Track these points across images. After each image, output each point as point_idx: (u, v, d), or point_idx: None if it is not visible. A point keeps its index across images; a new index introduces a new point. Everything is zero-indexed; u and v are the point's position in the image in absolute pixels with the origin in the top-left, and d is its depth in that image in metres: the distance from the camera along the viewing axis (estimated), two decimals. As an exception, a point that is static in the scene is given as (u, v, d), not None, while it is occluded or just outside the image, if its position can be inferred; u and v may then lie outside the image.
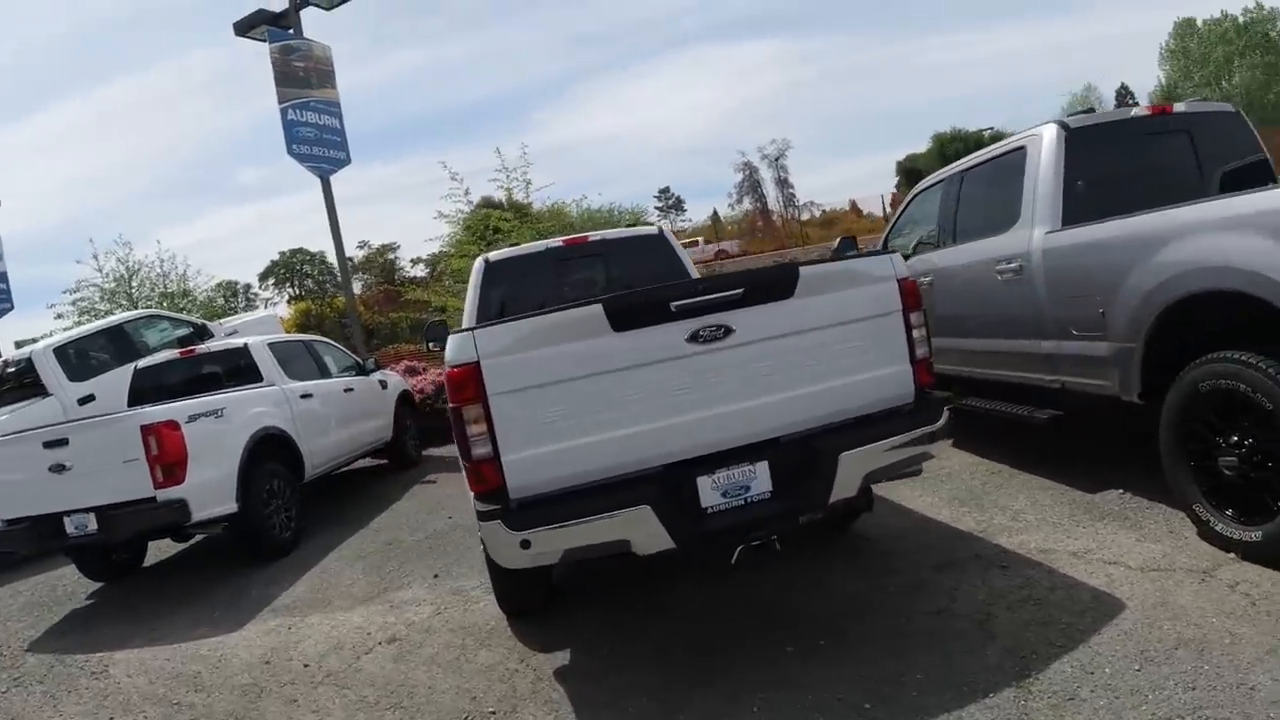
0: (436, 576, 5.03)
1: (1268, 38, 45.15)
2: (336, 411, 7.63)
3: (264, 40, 12.61)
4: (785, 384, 3.15)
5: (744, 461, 3.09)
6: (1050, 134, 4.45)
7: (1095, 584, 3.30)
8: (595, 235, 6.13)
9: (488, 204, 15.00)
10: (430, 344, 6.72)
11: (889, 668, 2.93)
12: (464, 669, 3.61)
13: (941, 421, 3.29)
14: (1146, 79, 56.61)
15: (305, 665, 3.95)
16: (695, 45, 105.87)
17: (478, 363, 2.85)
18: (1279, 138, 8.10)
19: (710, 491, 3.05)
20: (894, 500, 4.76)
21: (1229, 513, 3.31)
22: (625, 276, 5.68)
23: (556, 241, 6.03)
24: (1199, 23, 48.05)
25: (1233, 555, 3.25)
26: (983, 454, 5.32)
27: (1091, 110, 4.85)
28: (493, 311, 5.46)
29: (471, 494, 3.01)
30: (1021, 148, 4.64)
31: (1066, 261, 4.17)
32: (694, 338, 3.02)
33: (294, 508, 6.38)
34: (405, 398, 9.61)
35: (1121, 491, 4.23)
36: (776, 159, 58.01)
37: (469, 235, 14.22)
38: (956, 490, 4.82)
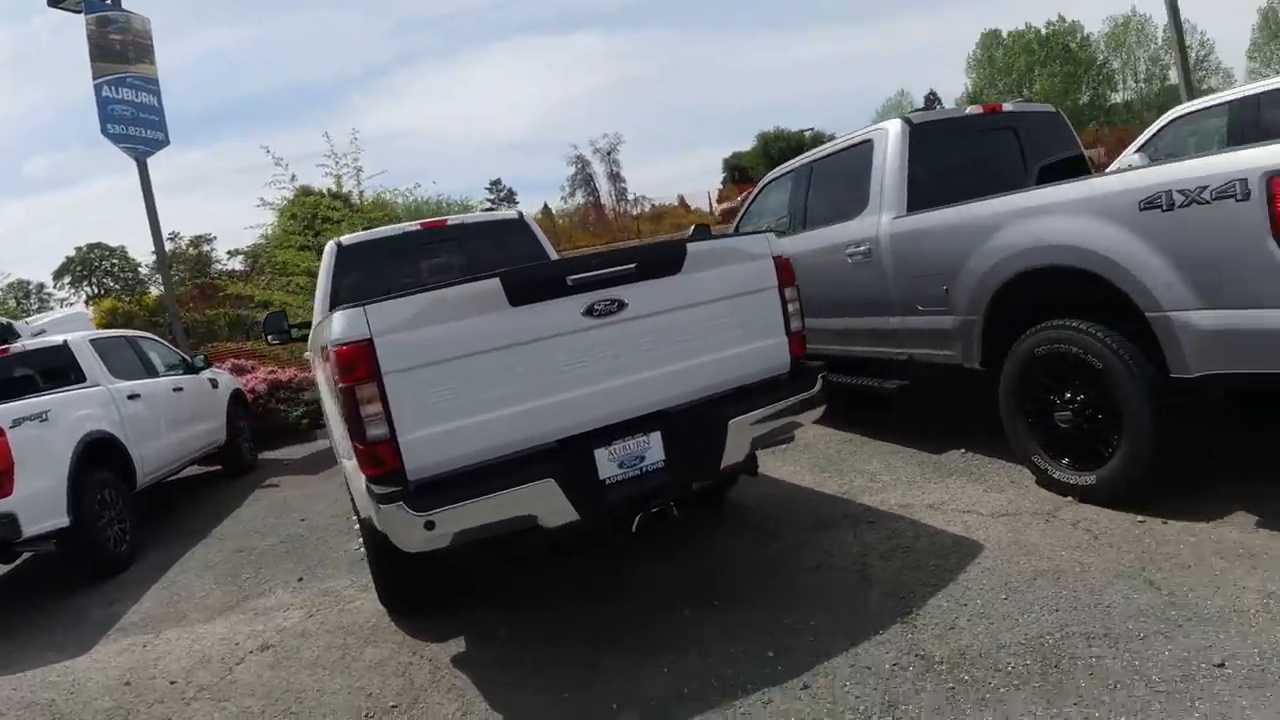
0: (301, 580, 4.75)
1: (1068, 49, 50.91)
2: (167, 413, 7.02)
3: (79, 11, 11.40)
4: (674, 356, 3.25)
5: (638, 433, 3.15)
6: (895, 128, 4.83)
7: (954, 530, 3.65)
8: (454, 219, 6.00)
9: (307, 192, 14.23)
10: (269, 336, 6.37)
11: (784, 620, 3.10)
12: (352, 668, 3.44)
13: (817, 388, 3.52)
14: (954, 86, 62.19)
15: (172, 682, 3.61)
16: (523, 35, 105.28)
17: (370, 340, 2.73)
18: (1086, 137, 9.18)
19: (608, 463, 3.09)
20: (761, 471, 5.00)
21: (1065, 462, 3.76)
22: (485, 262, 5.58)
23: (413, 225, 5.85)
24: (1004, 34, 53.30)
25: (1070, 498, 3.70)
26: (836, 426, 5.69)
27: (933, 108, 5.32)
28: (344, 299, 5.21)
29: (363, 479, 2.89)
30: (869, 140, 5.01)
31: (912, 245, 4.56)
32: (589, 311, 3.05)
33: (128, 519, 5.81)
34: (237, 397, 9.01)
35: (964, 450, 4.69)
36: (609, 153, 58.91)
37: (295, 225, 13.46)
38: (816, 459, 5.14)
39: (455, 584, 4.00)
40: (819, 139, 49.47)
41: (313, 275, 10.06)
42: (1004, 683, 2.47)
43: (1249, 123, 5.16)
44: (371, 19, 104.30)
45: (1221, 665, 2.34)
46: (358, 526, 3.85)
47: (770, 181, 6.49)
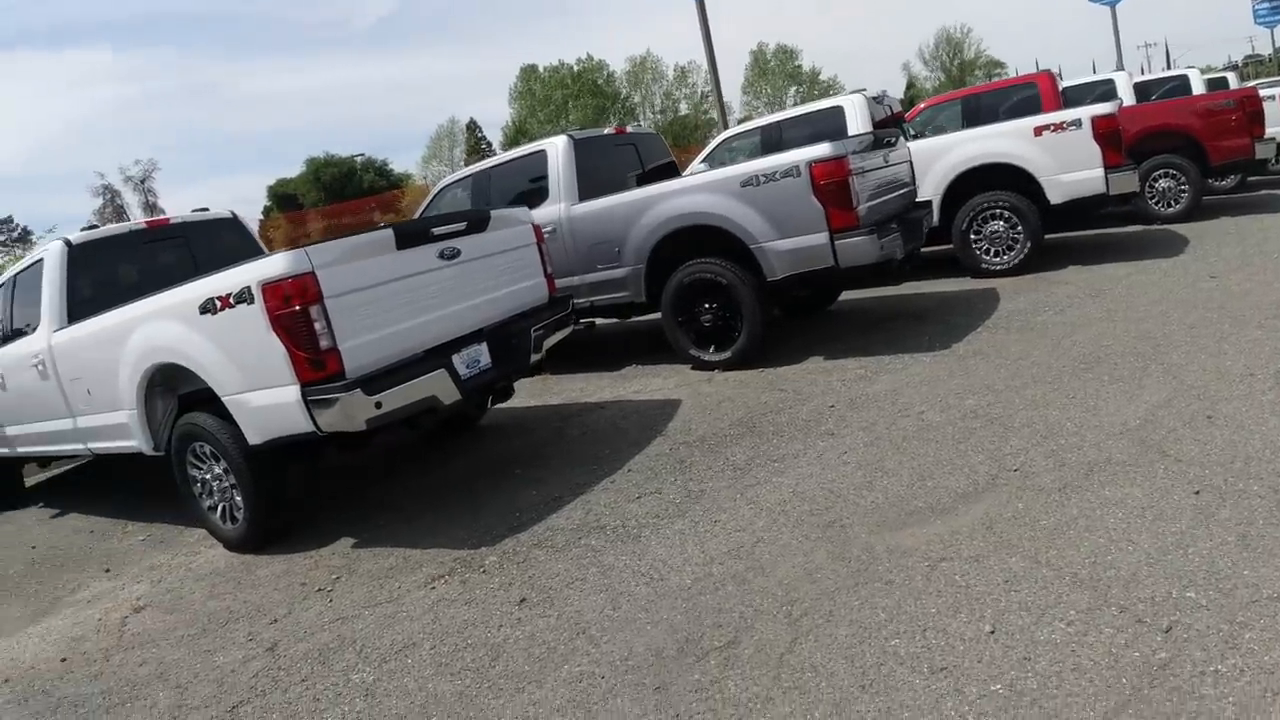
0: (108, 570, 4.75)
1: (596, 84, 58.16)
2: None
3: None
4: (487, 290, 4.64)
5: (473, 343, 4.47)
6: (562, 141, 6.71)
7: (658, 398, 5.61)
8: (176, 218, 6.27)
9: None
10: None
11: (584, 464, 4.68)
12: (259, 585, 4.04)
13: (570, 310, 5.21)
14: (498, 115, 67.39)
15: (63, 659, 3.64)
16: (5, 49, 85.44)
17: (314, 272, 3.64)
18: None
19: (460, 365, 4.35)
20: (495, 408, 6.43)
21: (710, 349, 5.98)
22: (210, 255, 6.04)
23: (140, 223, 6.06)
24: (541, 68, 59.10)
25: (717, 371, 5.92)
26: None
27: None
28: (84, 295, 5.32)
29: (296, 389, 3.69)
30: (542, 150, 6.81)
31: (590, 222, 6.45)
32: (441, 255, 4.29)
33: None
34: None
35: (635, 365, 6.75)
36: (143, 180, 51.79)
37: None
38: (530, 390, 6.71)
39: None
40: (371, 165, 50.09)
41: None
42: (726, 442, 4.43)
43: (775, 140, 8.17)
44: None
45: (832, 407, 4.63)
46: (220, 469, 4.33)
47: (446, 187, 7.91)
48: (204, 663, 3.27)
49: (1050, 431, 3.72)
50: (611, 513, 3.83)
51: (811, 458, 3.97)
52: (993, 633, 2.34)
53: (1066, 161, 7.10)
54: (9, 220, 44.75)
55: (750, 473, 3.94)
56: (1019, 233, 7.37)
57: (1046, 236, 7.67)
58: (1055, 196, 7.23)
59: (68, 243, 5.43)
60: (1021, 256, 7.40)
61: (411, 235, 4.16)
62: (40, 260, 5.54)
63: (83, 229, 5.76)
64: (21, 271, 5.96)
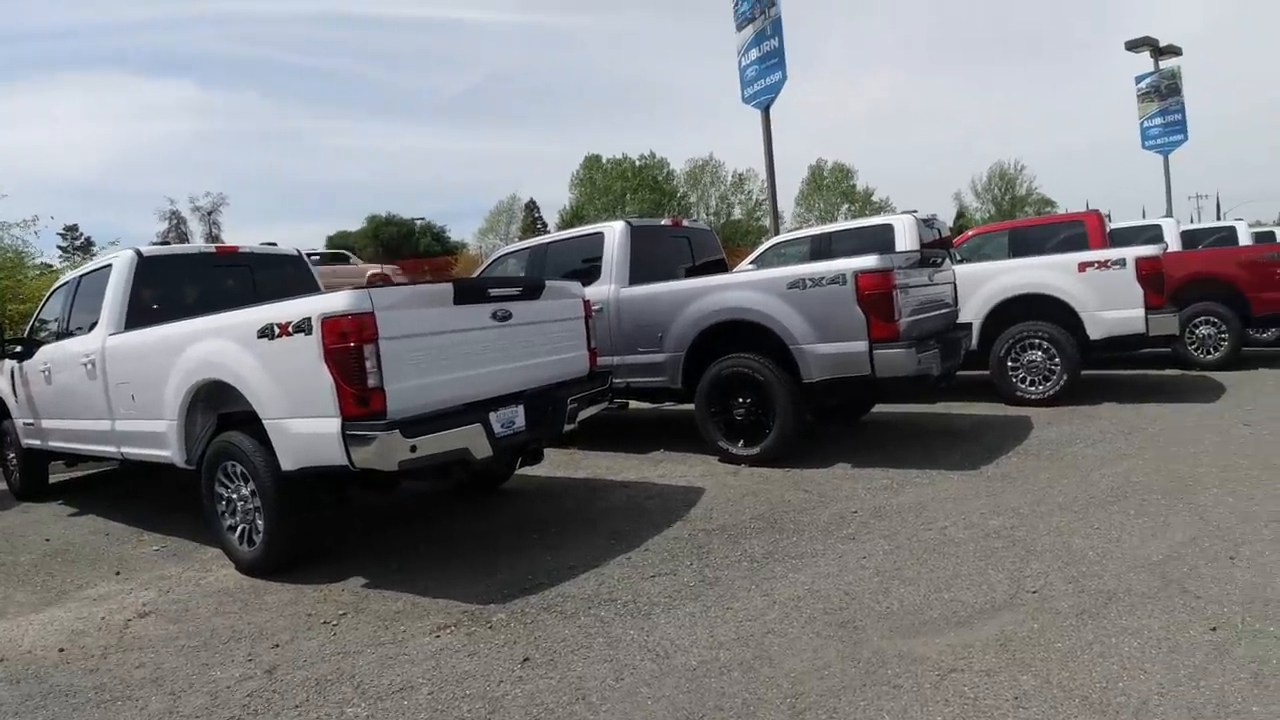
0: (119, 573, 4.83)
1: (655, 180, 60.29)
2: None
3: None
4: (531, 354, 4.78)
5: (511, 404, 4.57)
6: (620, 226, 6.98)
7: (681, 484, 5.64)
8: (245, 248, 6.59)
9: None
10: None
11: (603, 537, 4.71)
12: (266, 607, 4.09)
13: (608, 385, 5.31)
14: (558, 197, 69.86)
15: (61, 649, 3.71)
16: (104, 70, 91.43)
17: (373, 313, 3.82)
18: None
19: (496, 422, 4.45)
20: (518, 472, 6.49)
21: (740, 443, 6.02)
22: (271, 288, 6.31)
23: (211, 247, 6.42)
24: (604, 159, 61.44)
25: (744, 465, 5.95)
26: (553, 446, 7.40)
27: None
28: (144, 305, 5.57)
29: (337, 423, 3.81)
30: (600, 233, 7.08)
31: (637, 305, 6.64)
32: (494, 315, 4.46)
33: None
34: None
35: (662, 450, 6.79)
36: (209, 212, 54.44)
37: None
38: (556, 463, 6.78)
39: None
40: (429, 229, 52.03)
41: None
42: (746, 534, 4.43)
43: (824, 249, 8.40)
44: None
45: (855, 513, 4.63)
46: (248, 490, 4.44)
47: (505, 254, 8.22)
48: (200, 675, 3.29)
49: (1072, 558, 3.69)
50: (624, 587, 3.82)
51: (830, 558, 3.96)
52: (999, 750, 2.29)
53: (1108, 299, 7.21)
54: (75, 229, 47.07)
55: (767, 566, 3.93)
56: (1056, 364, 7.41)
57: (1084, 372, 7.69)
58: (1095, 332, 7.30)
59: (138, 253, 5.73)
60: (1057, 388, 7.41)
61: (469, 292, 4.35)
62: (108, 266, 5.79)
63: (152, 243, 6.09)
64: (87, 274, 6.26)
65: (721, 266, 7.84)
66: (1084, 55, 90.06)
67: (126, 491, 7.40)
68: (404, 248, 48.10)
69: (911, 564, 3.79)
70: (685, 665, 2.98)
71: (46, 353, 6.25)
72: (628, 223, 7.07)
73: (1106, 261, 7.27)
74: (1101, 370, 9.12)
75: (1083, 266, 7.34)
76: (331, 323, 3.81)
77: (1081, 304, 7.32)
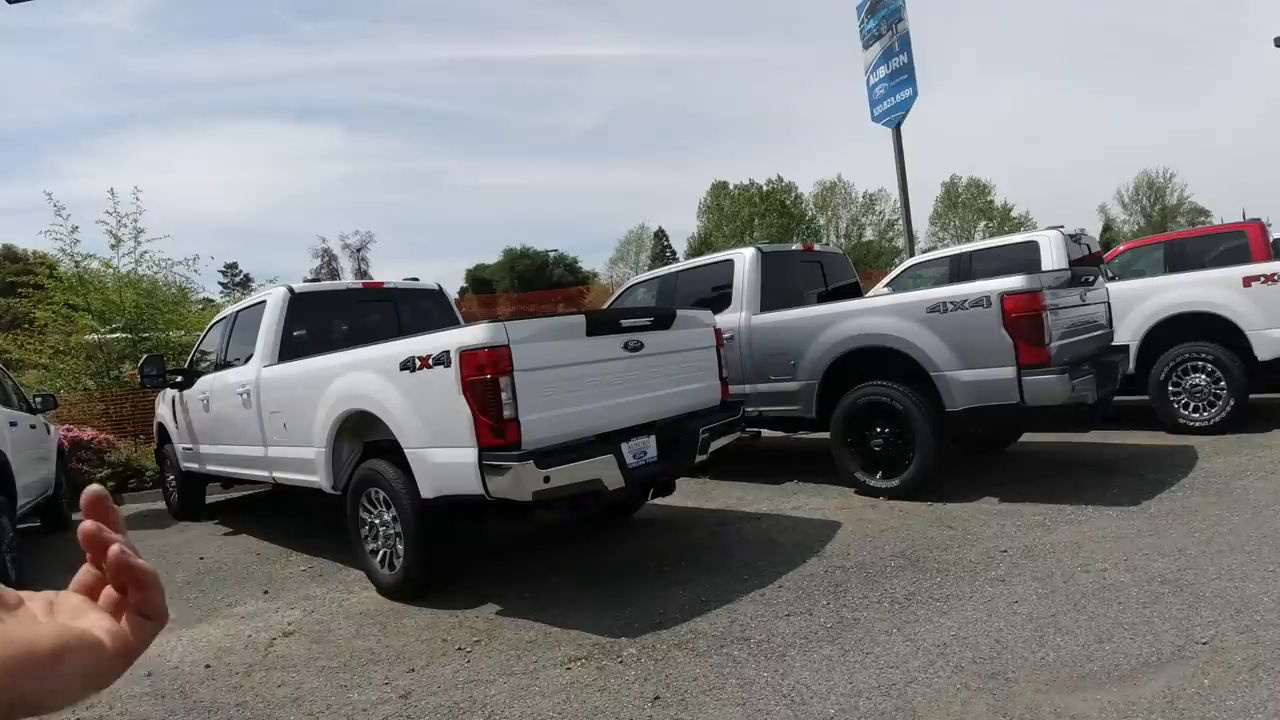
0: (266, 592, 5.17)
1: (783, 204, 60.00)
2: (29, 447, 6.81)
3: None
4: (663, 385, 4.77)
5: (643, 435, 4.58)
6: (750, 253, 6.91)
7: (817, 518, 5.45)
8: (389, 283, 7.00)
9: (9, 255, 13.52)
10: (144, 379, 6.89)
11: (735, 572, 4.61)
12: (404, 631, 4.26)
13: (740, 415, 5.23)
14: (686, 226, 70.45)
15: (207, 666, 3.95)
16: (256, 118, 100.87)
17: (509, 346, 3.94)
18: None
19: (628, 453, 4.46)
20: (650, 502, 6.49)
21: (878, 474, 5.77)
22: (414, 321, 6.65)
23: (357, 283, 6.88)
24: (730, 185, 61.74)
25: (882, 497, 5.69)
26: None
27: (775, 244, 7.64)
28: (296, 338, 5.96)
29: (473, 453, 3.93)
30: (730, 260, 7.04)
31: (769, 333, 6.54)
32: (625, 346, 4.50)
33: (14, 548, 5.73)
34: (59, 448, 8.53)
35: (796, 481, 6.62)
36: (359, 249, 58.45)
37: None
38: (687, 493, 6.73)
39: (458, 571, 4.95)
40: (562, 260, 53.80)
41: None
42: (885, 573, 4.22)
43: (964, 270, 8.01)
44: (76, 71, 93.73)
45: (1005, 552, 4.33)
46: (390, 516, 4.66)
47: (635, 284, 8.33)
48: (339, 697, 3.43)
49: (1245, 605, 3.29)
50: (758, 626, 3.72)
51: (978, 602, 3.70)
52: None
53: (1278, 316, 6.48)
54: (234, 265, 51.61)
55: (910, 608, 3.72)
56: (1222, 388, 6.71)
57: (1253, 396, 6.91)
58: (1264, 353, 6.56)
59: (290, 290, 6.10)
60: (1224, 414, 6.71)
61: (601, 324, 4.41)
62: (263, 302, 6.18)
63: (305, 279, 6.56)
64: (244, 309, 6.69)
65: (855, 291, 7.62)
66: (1226, 56, 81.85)
67: (277, 513, 7.94)
68: (538, 279, 49.84)
69: (1068, 610, 3.48)
70: (822, 713, 2.84)
71: (205, 382, 6.77)
72: (758, 249, 7.00)
73: (1275, 275, 6.53)
74: (1272, 394, 8.16)
75: (1248, 281, 6.62)
76: (469, 355, 3.95)
77: (1248, 322, 6.60)
